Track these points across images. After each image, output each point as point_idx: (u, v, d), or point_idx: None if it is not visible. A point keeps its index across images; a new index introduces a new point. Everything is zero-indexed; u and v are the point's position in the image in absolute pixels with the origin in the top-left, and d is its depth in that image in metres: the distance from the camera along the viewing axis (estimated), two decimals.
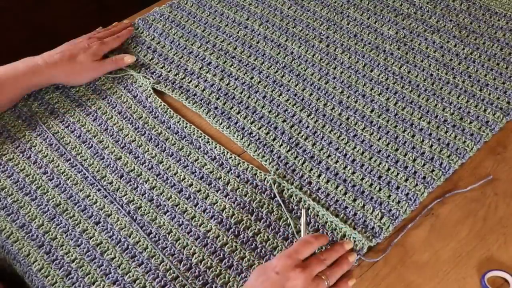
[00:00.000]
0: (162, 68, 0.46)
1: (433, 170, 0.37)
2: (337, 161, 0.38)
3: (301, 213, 0.31)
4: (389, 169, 0.37)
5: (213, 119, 0.41)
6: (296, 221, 0.34)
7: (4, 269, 0.33)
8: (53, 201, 0.36)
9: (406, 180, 0.36)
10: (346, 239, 0.33)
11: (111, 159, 0.39)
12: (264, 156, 0.38)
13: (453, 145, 0.39)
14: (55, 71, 0.38)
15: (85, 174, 0.37)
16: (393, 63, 0.46)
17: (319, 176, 0.37)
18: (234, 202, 0.35)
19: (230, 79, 0.45)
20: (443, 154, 0.38)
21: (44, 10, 0.71)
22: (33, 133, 0.41)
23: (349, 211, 0.35)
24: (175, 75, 0.45)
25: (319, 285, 0.27)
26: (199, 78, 0.45)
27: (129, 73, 0.45)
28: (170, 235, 0.34)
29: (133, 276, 0.32)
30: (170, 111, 0.42)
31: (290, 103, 0.42)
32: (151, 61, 0.47)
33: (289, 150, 0.39)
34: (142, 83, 0.45)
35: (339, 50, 0.47)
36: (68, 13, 0.73)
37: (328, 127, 0.40)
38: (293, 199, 0.36)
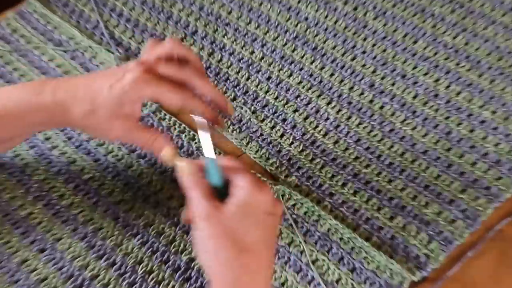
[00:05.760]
0: (131, 38, 0.44)
1: (499, 178, 0.35)
2: (367, 165, 0.36)
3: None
4: (438, 176, 0.36)
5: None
6: (312, 249, 0.33)
7: None
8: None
9: (463, 191, 0.35)
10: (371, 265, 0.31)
11: None
12: (269, 159, 0.37)
13: None
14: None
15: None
16: (445, 31, 0.43)
17: (343, 185, 0.35)
18: None
19: (223, 54, 0.43)
20: None
21: None
22: None
23: (385, 234, 0.34)
24: None
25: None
26: None
27: (86, 44, 0.43)
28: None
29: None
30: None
31: (303, 87, 0.41)
32: (117, 28, 0.45)
33: (302, 151, 0.37)
34: (105, 59, 0.43)
35: (371, 14, 0.45)
36: None
37: (355, 119, 0.39)
38: (309, 216, 0.34)
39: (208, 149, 0.26)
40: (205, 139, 0.26)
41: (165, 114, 0.39)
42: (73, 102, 0.27)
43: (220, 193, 0.25)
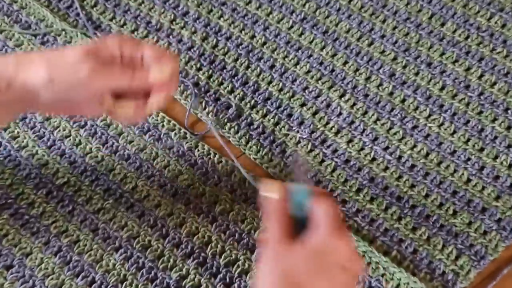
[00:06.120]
0: (111, 20, 0.43)
1: None
2: (386, 168, 0.36)
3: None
4: (469, 180, 0.35)
5: (192, 101, 0.39)
6: None
7: None
8: None
9: (497, 198, 0.34)
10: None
11: None
12: (272, 161, 0.36)
13: None
14: None
15: None
16: (478, 11, 0.43)
17: (358, 191, 0.35)
18: (223, 233, 0.34)
19: (219, 38, 0.42)
20: None
21: None
22: None
23: (406, 247, 0.33)
24: (133, 32, 0.43)
25: None
26: (170, 37, 0.42)
27: (58, 28, 0.42)
28: None
29: None
30: None
31: (312, 77, 0.40)
32: (95, 8, 0.44)
33: (311, 151, 0.36)
34: (81, 45, 0.40)
35: None
36: None
37: (372, 115, 0.38)
38: None
39: (301, 176, 0.26)
40: (301, 166, 0.27)
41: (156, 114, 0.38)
42: (39, 54, 0.27)
43: (299, 222, 0.25)
